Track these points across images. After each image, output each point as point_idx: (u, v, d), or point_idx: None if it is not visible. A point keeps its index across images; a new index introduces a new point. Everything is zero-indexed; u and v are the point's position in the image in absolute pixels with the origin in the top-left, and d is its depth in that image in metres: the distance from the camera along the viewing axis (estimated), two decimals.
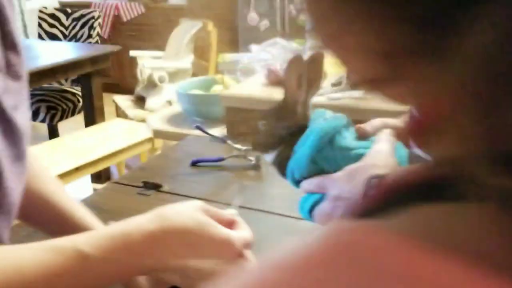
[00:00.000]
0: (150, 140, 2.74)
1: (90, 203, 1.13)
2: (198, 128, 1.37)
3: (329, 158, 0.73)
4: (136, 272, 0.53)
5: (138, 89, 3.30)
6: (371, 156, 0.69)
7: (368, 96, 1.55)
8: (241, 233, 0.58)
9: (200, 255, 0.52)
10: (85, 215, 0.72)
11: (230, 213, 0.62)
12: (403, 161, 0.73)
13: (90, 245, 0.48)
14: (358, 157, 0.71)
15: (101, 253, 0.48)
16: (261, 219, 1.04)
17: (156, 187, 1.20)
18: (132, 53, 3.41)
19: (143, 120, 3.06)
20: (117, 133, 2.70)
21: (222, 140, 1.34)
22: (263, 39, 4.29)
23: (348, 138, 0.75)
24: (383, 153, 0.69)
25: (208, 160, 1.34)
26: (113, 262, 0.49)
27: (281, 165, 0.77)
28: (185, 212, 0.53)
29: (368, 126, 0.78)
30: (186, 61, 3.27)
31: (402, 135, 0.72)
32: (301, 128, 0.75)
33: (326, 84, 1.68)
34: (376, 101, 1.52)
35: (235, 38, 4.39)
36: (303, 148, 0.74)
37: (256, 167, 1.33)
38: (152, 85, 3.20)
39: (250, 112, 1.62)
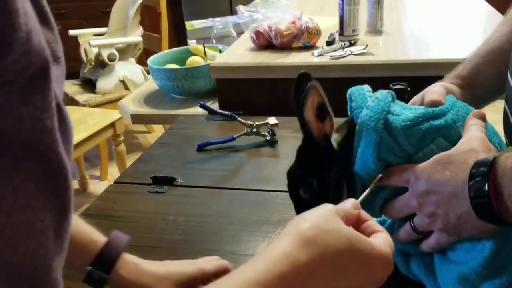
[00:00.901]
0: (111, 126, 2.49)
1: (96, 210, 0.94)
2: (202, 106, 1.19)
3: (393, 147, 0.62)
4: None
5: (85, 71, 2.99)
6: (465, 143, 0.58)
7: (370, 51, 1.42)
8: (388, 240, 0.45)
9: (353, 277, 0.44)
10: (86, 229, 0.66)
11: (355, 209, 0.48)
12: (498, 146, 0.62)
13: None
14: (428, 131, 0.61)
15: None
16: (282, 199, 0.90)
17: (169, 181, 1.02)
18: (72, 32, 3.08)
19: (97, 106, 2.79)
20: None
21: (232, 116, 1.17)
22: (208, 5, 4.04)
23: (402, 113, 0.63)
24: (478, 139, 0.58)
25: (217, 142, 1.17)
26: None
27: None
28: (330, 230, 0.43)
29: (435, 95, 0.68)
30: (135, 35, 3.00)
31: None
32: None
33: (320, 43, 1.53)
34: (381, 55, 1.39)
35: (177, 6, 4.12)
36: (361, 149, 0.62)
37: (272, 143, 1.18)
38: (100, 65, 2.91)
39: (244, 82, 1.45)
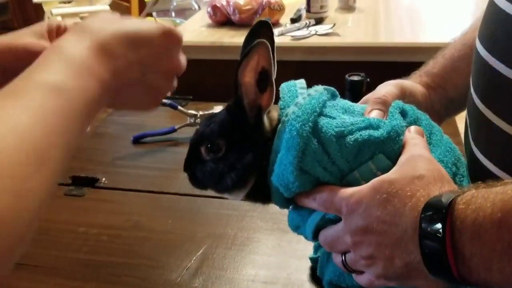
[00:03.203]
0: None
1: None
2: None
3: (321, 157, 0.50)
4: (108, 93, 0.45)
5: None
6: (408, 164, 0.46)
7: (337, 31, 1.28)
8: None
9: (150, 52, 0.48)
10: None
11: None
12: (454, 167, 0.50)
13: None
14: (365, 143, 0.49)
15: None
16: (217, 208, 0.78)
17: (90, 182, 0.89)
18: None
19: None
20: None
21: (171, 105, 1.03)
22: None
23: (338, 116, 0.51)
24: (424, 160, 0.47)
25: (155, 133, 1.04)
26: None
27: (257, 192, 0.54)
28: (107, 19, 0.48)
29: (377, 103, 0.55)
30: (103, 3, 2.81)
31: None
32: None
33: (284, 20, 1.38)
34: (348, 37, 1.25)
35: None
36: (281, 155, 0.50)
37: None
38: None
39: (196, 63, 1.30)
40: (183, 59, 0.53)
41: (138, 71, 0.48)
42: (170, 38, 0.50)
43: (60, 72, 0.40)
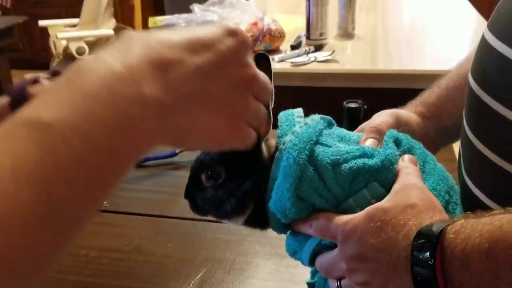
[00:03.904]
0: None
1: None
2: None
3: (317, 185, 0.51)
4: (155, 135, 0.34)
5: (54, 65, 2.86)
6: (401, 193, 0.48)
7: (336, 58, 1.30)
8: None
9: (210, 57, 0.38)
10: None
11: None
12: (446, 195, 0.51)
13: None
14: (360, 171, 0.50)
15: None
16: (216, 232, 0.79)
17: None
18: (41, 23, 2.94)
19: None
20: None
21: None
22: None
23: (334, 145, 0.53)
24: (416, 189, 0.48)
25: (157, 157, 1.05)
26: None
27: (256, 218, 0.55)
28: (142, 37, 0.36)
29: (372, 131, 0.57)
30: (107, 27, 2.86)
31: None
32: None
33: (284, 46, 1.41)
34: (347, 63, 1.28)
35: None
36: (278, 182, 0.51)
37: None
38: (69, 58, 2.78)
39: None
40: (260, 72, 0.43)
41: (197, 81, 0.37)
42: (236, 39, 0.40)
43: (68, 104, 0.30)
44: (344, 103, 0.89)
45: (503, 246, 0.36)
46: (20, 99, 0.60)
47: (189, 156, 1.05)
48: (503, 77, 0.44)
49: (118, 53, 0.33)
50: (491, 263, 0.36)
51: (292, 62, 1.27)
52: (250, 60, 0.42)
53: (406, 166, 0.51)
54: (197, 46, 0.37)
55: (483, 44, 0.48)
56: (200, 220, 0.84)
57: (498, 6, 0.48)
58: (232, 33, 0.40)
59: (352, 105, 0.88)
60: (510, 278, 0.35)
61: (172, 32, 0.37)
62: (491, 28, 0.47)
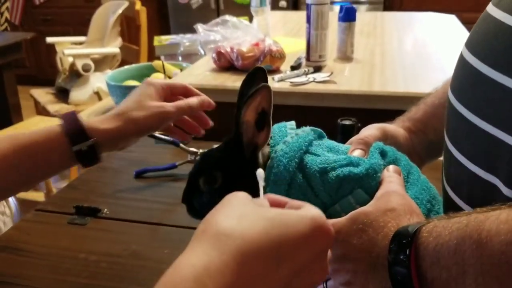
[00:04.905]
0: None
1: (7, 241, 0.85)
2: None
3: (305, 191, 0.55)
4: None
5: (59, 81, 2.91)
6: (383, 199, 0.51)
7: (334, 79, 1.35)
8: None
9: (290, 259, 0.36)
10: None
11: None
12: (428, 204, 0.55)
13: None
14: (345, 179, 0.54)
15: None
16: None
17: (93, 212, 0.93)
18: (49, 39, 3.00)
19: None
20: None
21: (174, 142, 1.09)
22: (195, 17, 4.00)
23: (323, 154, 0.57)
24: (397, 195, 0.51)
25: (157, 169, 1.09)
26: None
27: None
28: (245, 216, 0.37)
29: (359, 143, 0.61)
30: (113, 45, 2.92)
31: None
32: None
33: (284, 67, 1.46)
34: (344, 85, 1.32)
35: (165, 18, 4.06)
36: (269, 188, 0.55)
37: None
38: (75, 75, 2.83)
39: None
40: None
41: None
42: (322, 238, 0.38)
43: None
44: (339, 120, 0.93)
45: (469, 242, 0.39)
46: (73, 126, 0.66)
47: (188, 169, 1.08)
48: (477, 90, 0.47)
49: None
50: (458, 258, 0.39)
51: (291, 82, 1.31)
52: (326, 257, 0.40)
53: (390, 175, 0.55)
54: (286, 252, 0.35)
55: (461, 61, 0.52)
56: (196, 228, 0.87)
57: (475, 26, 0.52)
58: (319, 230, 0.38)
59: (346, 122, 0.92)
60: (475, 270, 0.38)
61: (259, 225, 0.36)
62: (467, 45, 0.51)
